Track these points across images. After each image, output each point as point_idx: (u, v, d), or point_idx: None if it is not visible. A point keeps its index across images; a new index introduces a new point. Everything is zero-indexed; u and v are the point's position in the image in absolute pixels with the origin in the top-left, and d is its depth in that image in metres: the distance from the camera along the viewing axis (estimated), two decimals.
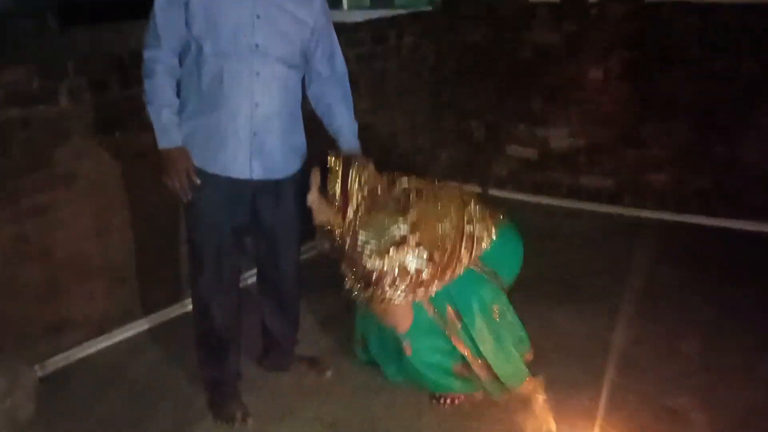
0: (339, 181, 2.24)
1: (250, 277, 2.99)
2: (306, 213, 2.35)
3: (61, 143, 2.62)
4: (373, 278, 2.23)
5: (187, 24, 2.09)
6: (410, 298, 2.29)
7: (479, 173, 4.51)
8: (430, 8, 4.67)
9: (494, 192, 4.46)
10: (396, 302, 2.26)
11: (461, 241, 2.31)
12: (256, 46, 2.11)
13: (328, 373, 2.64)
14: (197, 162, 2.18)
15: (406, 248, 2.22)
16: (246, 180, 2.21)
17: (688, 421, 2.31)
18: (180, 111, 2.17)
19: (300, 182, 2.34)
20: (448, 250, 2.29)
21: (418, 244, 2.22)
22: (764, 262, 3.43)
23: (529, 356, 2.51)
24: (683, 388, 2.47)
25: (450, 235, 2.29)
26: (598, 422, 2.29)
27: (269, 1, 2.12)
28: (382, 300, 2.26)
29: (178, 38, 2.11)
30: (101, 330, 2.89)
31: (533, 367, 2.47)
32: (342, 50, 2.39)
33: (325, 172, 2.25)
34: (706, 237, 3.77)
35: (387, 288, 2.24)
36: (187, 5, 2.07)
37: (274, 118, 2.21)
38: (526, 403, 2.38)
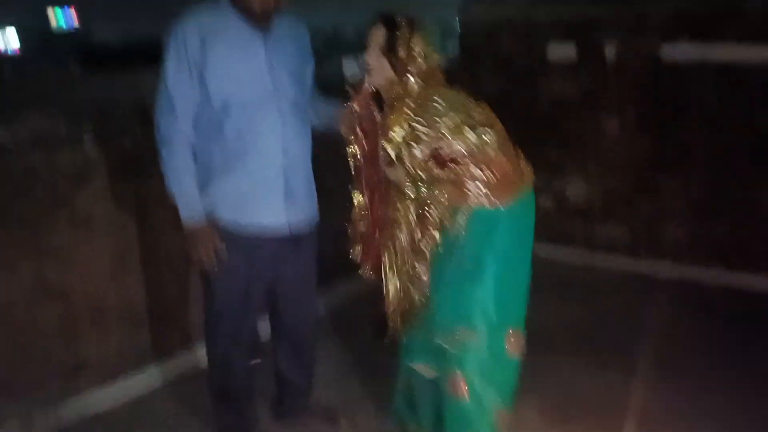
0: (407, 42, 2.02)
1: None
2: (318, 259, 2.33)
3: (83, 186, 2.65)
4: (450, 155, 2.03)
5: (202, 84, 2.07)
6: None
7: None
8: (449, 58, 4.75)
9: None
10: (473, 185, 2.05)
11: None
12: (276, 90, 2.15)
13: (343, 425, 2.59)
14: (228, 218, 2.16)
15: (490, 134, 2.03)
16: (278, 228, 2.21)
17: None
18: (202, 172, 2.15)
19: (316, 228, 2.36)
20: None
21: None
22: None
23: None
24: None
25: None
26: None
27: (276, 46, 2.16)
28: (455, 180, 2.05)
29: (193, 102, 2.09)
30: (115, 373, 2.86)
31: (551, 423, 2.41)
32: None
33: (393, 30, 2.04)
34: (725, 291, 3.71)
35: (470, 169, 2.04)
36: (200, 67, 2.06)
37: (301, 161, 2.24)
38: None
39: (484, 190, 2.06)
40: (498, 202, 2.09)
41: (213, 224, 2.16)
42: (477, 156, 2.03)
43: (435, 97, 2.02)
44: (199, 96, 2.09)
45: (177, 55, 2.06)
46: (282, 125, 2.16)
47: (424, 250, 2.12)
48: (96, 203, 2.69)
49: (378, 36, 2.05)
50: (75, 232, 2.63)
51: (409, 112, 2.02)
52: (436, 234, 2.10)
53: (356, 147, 2.24)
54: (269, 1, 2.08)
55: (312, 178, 2.35)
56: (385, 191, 2.19)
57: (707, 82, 3.79)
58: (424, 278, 2.14)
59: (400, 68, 2.04)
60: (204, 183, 2.15)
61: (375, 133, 2.18)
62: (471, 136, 2.02)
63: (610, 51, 4.03)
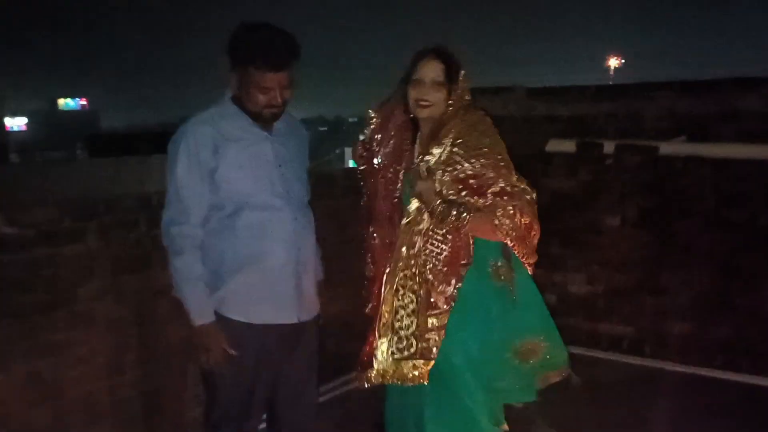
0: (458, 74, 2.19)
1: None
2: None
3: (84, 282, 2.63)
4: (479, 183, 2.12)
5: (213, 187, 2.09)
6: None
7: None
8: None
9: None
10: (505, 222, 2.10)
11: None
12: (288, 192, 2.19)
13: None
14: (239, 317, 2.15)
15: (528, 183, 2.16)
16: (287, 324, 2.21)
17: None
18: (212, 273, 2.14)
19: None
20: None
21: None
22: None
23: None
24: None
25: None
26: None
27: (282, 146, 2.21)
28: (487, 208, 2.12)
29: (204, 205, 2.11)
30: None
31: None
32: None
33: (449, 63, 2.17)
34: (731, 392, 3.63)
35: (504, 205, 2.10)
36: (212, 171, 2.08)
37: (310, 258, 2.27)
38: None
39: (512, 233, 2.11)
40: (522, 256, 2.18)
41: (222, 323, 2.15)
42: (514, 196, 2.11)
43: (482, 128, 2.16)
44: (209, 199, 2.11)
45: (188, 159, 2.07)
46: (293, 223, 2.18)
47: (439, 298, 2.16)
48: (97, 300, 2.66)
49: (436, 68, 2.15)
50: (73, 330, 2.59)
51: (453, 137, 2.14)
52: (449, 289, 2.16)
53: (368, 177, 2.33)
54: (278, 108, 2.14)
55: (318, 269, 2.37)
56: (393, 224, 2.27)
57: (707, 179, 3.84)
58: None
59: (454, 99, 2.16)
60: (214, 283, 2.14)
61: (399, 161, 2.27)
62: (513, 176, 2.14)
63: (608, 147, 4.10)
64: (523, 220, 2.13)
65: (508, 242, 2.14)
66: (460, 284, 2.17)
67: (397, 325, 2.22)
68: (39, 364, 2.52)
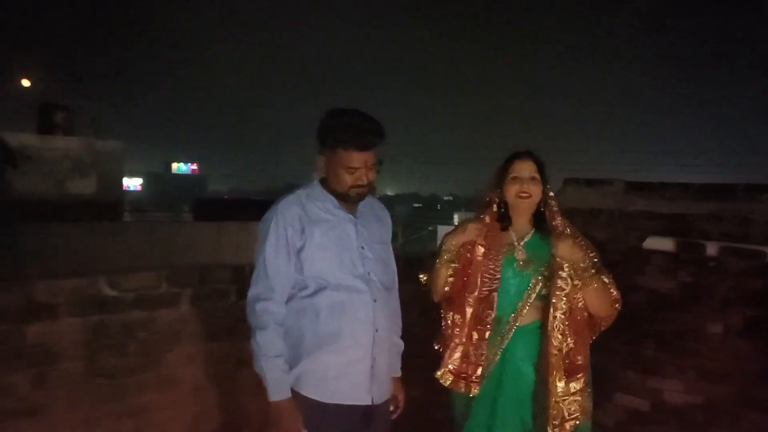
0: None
1: None
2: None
3: (174, 346, 2.73)
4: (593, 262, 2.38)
5: (298, 267, 2.17)
6: None
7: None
8: None
9: None
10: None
11: None
12: (369, 274, 2.22)
13: None
14: (313, 396, 2.17)
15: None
16: (361, 406, 2.21)
17: None
18: (291, 350, 2.19)
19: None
20: None
21: None
22: None
23: None
24: None
25: None
26: None
27: (366, 232, 2.28)
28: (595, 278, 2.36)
29: (289, 285, 2.19)
30: None
31: None
32: None
33: (539, 163, 2.44)
34: None
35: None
36: (299, 251, 2.17)
37: (387, 340, 2.28)
38: None
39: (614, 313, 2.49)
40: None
41: (297, 399, 2.17)
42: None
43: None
44: (294, 278, 2.18)
45: (277, 238, 2.17)
46: (371, 305, 2.21)
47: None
48: (184, 366, 2.74)
49: (531, 167, 2.42)
50: (159, 394, 2.68)
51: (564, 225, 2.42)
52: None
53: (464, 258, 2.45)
54: (363, 188, 2.22)
55: (395, 350, 2.37)
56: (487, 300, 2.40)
57: None
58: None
59: (545, 192, 2.44)
60: (292, 360, 2.18)
61: (495, 245, 2.44)
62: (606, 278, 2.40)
63: (711, 249, 3.90)
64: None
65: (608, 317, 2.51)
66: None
67: None
68: (122, 426, 2.60)
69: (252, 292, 2.20)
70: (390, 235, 2.45)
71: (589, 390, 2.47)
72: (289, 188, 2.33)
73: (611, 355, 4.19)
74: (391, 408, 2.38)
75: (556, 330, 2.35)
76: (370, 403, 2.22)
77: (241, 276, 2.94)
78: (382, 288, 2.27)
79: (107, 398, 2.55)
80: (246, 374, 2.77)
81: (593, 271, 2.35)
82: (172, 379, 2.72)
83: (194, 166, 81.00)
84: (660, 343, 4.05)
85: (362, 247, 2.24)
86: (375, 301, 2.22)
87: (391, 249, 2.44)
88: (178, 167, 79.25)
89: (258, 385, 2.20)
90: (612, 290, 2.41)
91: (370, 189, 2.26)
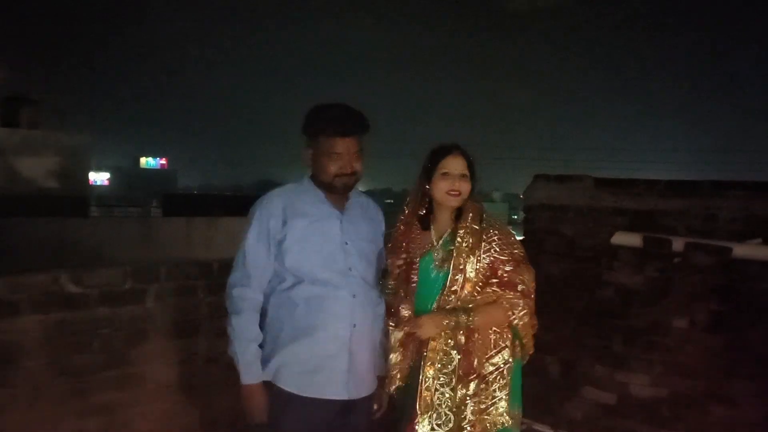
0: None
1: None
2: None
3: (139, 344, 2.68)
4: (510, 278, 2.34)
5: (278, 257, 2.19)
6: None
7: (551, 412, 4.26)
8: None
9: None
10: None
11: None
12: (350, 269, 2.23)
13: None
14: (290, 389, 2.18)
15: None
16: (338, 400, 2.21)
17: None
18: (269, 341, 2.20)
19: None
20: None
21: None
22: None
23: None
24: None
25: None
26: None
27: (351, 225, 2.28)
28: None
29: (267, 274, 2.21)
30: None
31: None
32: None
33: (469, 158, 2.39)
34: None
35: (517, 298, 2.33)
36: (280, 242, 2.19)
37: (367, 336, 2.27)
38: None
39: (525, 319, 2.34)
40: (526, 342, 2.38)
41: (274, 392, 2.18)
42: (525, 292, 2.33)
43: (499, 222, 2.40)
44: (273, 268, 2.20)
45: (259, 227, 2.20)
46: (351, 302, 2.21)
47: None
48: (150, 363, 2.70)
49: (462, 163, 2.36)
50: (124, 392, 2.63)
51: (477, 225, 2.35)
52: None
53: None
54: (348, 177, 2.23)
55: (379, 356, 2.35)
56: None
57: None
58: None
59: (474, 192, 2.38)
60: (269, 351, 2.19)
61: (414, 250, 2.39)
62: (531, 271, 2.35)
63: (677, 244, 3.96)
64: (532, 321, 2.37)
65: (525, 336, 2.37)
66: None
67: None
68: (87, 424, 2.55)
69: (231, 277, 2.23)
70: (381, 235, 2.44)
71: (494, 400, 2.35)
72: (263, 184, 2.31)
73: (580, 350, 4.24)
74: (375, 407, 2.38)
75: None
76: (346, 397, 2.22)
77: (209, 272, 2.90)
78: (364, 284, 2.27)
79: (70, 396, 2.49)
80: (215, 371, 2.75)
81: (466, 316, 2.26)
82: (138, 376, 2.68)
83: (163, 161, 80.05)
84: (628, 338, 4.10)
85: (346, 243, 2.25)
86: (354, 296, 2.22)
87: (383, 249, 2.42)
88: (147, 162, 78.23)
89: (227, 384, 2.18)
90: (525, 318, 2.33)
91: (357, 178, 2.27)
